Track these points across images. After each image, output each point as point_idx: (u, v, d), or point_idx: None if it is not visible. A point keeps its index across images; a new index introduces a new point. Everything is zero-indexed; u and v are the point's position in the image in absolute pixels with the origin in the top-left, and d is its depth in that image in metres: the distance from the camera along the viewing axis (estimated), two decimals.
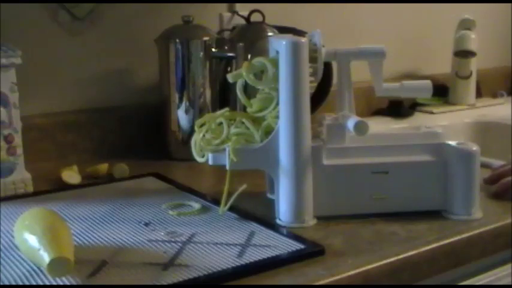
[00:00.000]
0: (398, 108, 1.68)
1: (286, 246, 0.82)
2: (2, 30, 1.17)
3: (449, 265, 0.87)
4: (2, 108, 1.02)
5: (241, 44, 1.29)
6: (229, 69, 1.30)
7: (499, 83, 2.00)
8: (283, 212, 0.90)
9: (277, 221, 0.91)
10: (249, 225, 0.90)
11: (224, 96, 1.30)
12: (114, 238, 0.85)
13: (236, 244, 0.83)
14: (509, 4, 2.05)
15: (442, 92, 1.80)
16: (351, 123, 0.89)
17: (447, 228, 0.90)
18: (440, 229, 0.89)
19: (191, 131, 1.17)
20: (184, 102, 1.27)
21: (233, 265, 0.76)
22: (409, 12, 1.83)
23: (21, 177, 1.04)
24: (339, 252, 0.82)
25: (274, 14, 1.42)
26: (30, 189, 1.05)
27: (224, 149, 0.91)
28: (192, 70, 1.26)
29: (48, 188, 1.08)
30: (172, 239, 0.85)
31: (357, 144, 0.94)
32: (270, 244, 0.83)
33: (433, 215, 0.94)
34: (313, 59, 0.92)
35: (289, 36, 0.90)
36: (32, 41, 1.24)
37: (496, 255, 0.94)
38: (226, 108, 0.98)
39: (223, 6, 1.48)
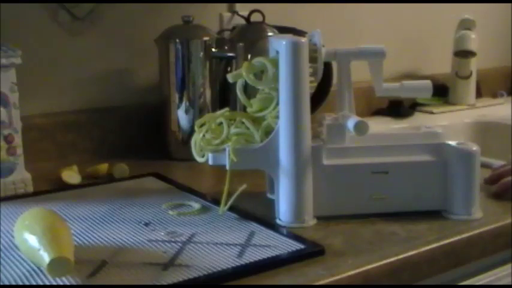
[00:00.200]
0: (398, 108, 1.68)
1: (286, 246, 0.82)
2: (2, 30, 1.16)
3: (449, 265, 0.87)
4: (2, 108, 1.02)
5: (241, 44, 1.29)
6: (229, 69, 1.30)
7: (499, 83, 2.00)
8: (283, 212, 0.90)
9: (277, 221, 0.91)
10: (249, 225, 0.90)
11: (224, 96, 1.30)
12: (114, 238, 0.85)
13: (236, 244, 0.83)
14: (509, 4, 2.05)
15: (442, 92, 1.80)
16: (351, 123, 0.89)
17: (447, 228, 0.90)
18: (440, 229, 0.89)
19: (191, 131, 1.17)
20: (184, 102, 1.27)
21: (233, 265, 0.76)
22: (409, 12, 1.83)
23: (21, 177, 1.04)
24: (339, 252, 0.82)
25: (274, 14, 1.42)
26: (30, 189, 1.05)
27: (224, 149, 0.91)
28: (192, 70, 1.25)
29: (48, 188, 1.08)
30: (172, 239, 0.85)
31: (357, 144, 0.94)
32: (270, 244, 0.83)
33: (433, 215, 0.94)
34: (313, 59, 0.92)
35: (289, 36, 0.90)
36: (32, 41, 1.24)
37: (496, 255, 0.94)
38: (226, 108, 0.98)
39: (223, 6, 1.48)
